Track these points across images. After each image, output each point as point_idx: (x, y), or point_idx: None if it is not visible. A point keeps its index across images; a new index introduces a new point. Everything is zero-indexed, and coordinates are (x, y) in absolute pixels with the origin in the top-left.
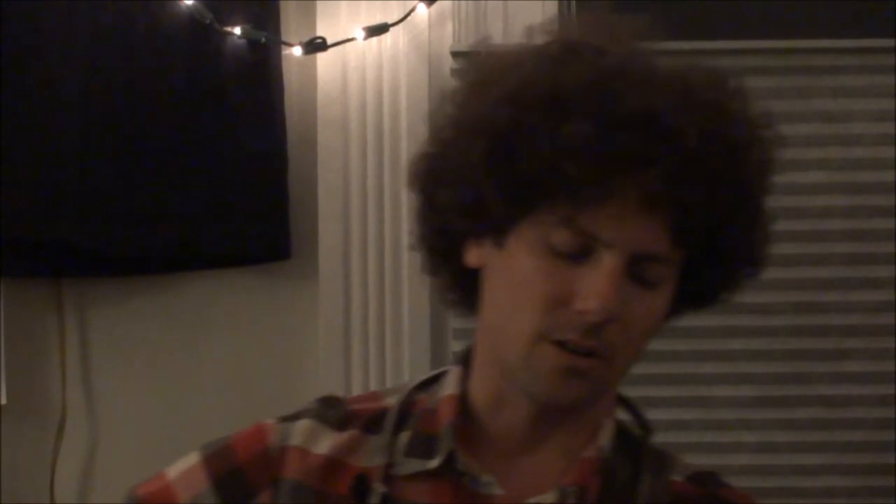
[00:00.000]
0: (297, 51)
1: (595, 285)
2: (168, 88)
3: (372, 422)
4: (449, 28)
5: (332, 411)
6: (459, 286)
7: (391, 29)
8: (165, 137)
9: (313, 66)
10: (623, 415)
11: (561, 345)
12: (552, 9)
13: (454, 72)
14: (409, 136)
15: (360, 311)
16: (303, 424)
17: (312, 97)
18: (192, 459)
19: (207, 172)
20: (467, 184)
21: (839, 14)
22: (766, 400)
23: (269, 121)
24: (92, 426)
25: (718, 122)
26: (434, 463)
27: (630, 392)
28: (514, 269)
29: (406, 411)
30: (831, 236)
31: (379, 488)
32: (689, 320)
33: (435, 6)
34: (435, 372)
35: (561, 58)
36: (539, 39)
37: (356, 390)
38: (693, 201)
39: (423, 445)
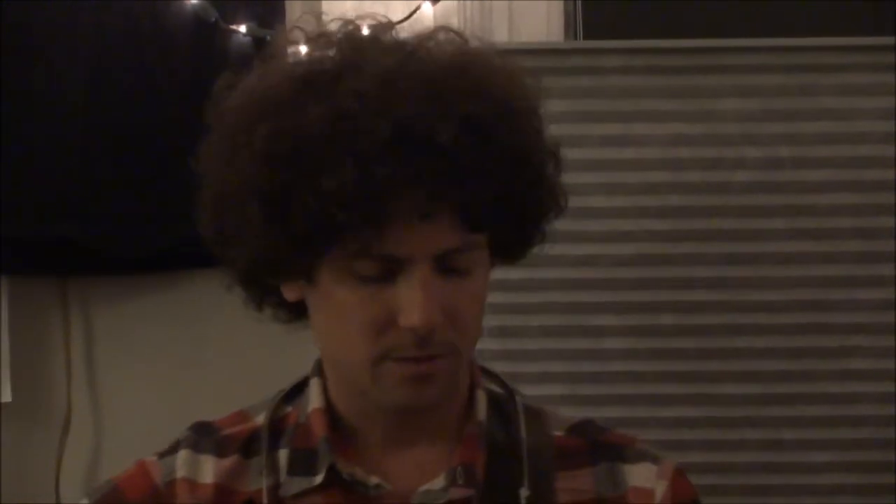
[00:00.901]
0: (302, 49)
1: (411, 300)
2: (173, 86)
3: (248, 444)
4: (454, 26)
5: (206, 439)
6: (288, 313)
7: (397, 27)
8: (170, 136)
9: None
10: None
11: (402, 359)
12: (557, 7)
13: None
14: None
15: None
16: (183, 456)
17: None
18: None
19: None
20: (253, 243)
21: (845, 11)
22: (771, 397)
23: None
24: (97, 424)
25: (473, 112)
26: (318, 479)
27: (635, 390)
28: (331, 302)
29: (277, 428)
30: (838, 234)
31: None
32: (697, 318)
33: (440, 5)
34: (296, 382)
35: (298, 98)
36: (276, 64)
37: None
38: (468, 198)
39: (304, 462)
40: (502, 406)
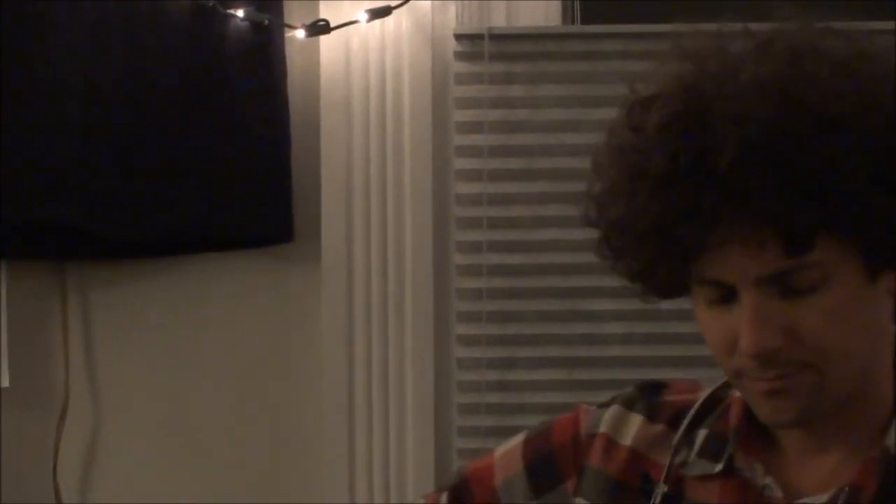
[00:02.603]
0: (300, 33)
1: (742, 327)
2: (171, 71)
3: (678, 415)
4: (452, 10)
5: (644, 399)
6: None
7: (394, 11)
8: (168, 120)
9: (316, 48)
10: None
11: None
12: None
13: (458, 55)
14: (411, 119)
15: (362, 293)
16: (613, 411)
17: (315, 80)
18: (517, 438)
19: (210, 155)
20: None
21: None
22: None
23: (271, 104)
24: (95, 409)
25: (766, 135)
26: (718, 467)
27: (634, 375)
28: (698, 318)
29: (710, 406)
30: None
31: (661, 488)
32: None
33: None
34: None
35: (623, 125)
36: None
37: (358, 372)
38: (774, 220)
39: (714, 446)
40: None
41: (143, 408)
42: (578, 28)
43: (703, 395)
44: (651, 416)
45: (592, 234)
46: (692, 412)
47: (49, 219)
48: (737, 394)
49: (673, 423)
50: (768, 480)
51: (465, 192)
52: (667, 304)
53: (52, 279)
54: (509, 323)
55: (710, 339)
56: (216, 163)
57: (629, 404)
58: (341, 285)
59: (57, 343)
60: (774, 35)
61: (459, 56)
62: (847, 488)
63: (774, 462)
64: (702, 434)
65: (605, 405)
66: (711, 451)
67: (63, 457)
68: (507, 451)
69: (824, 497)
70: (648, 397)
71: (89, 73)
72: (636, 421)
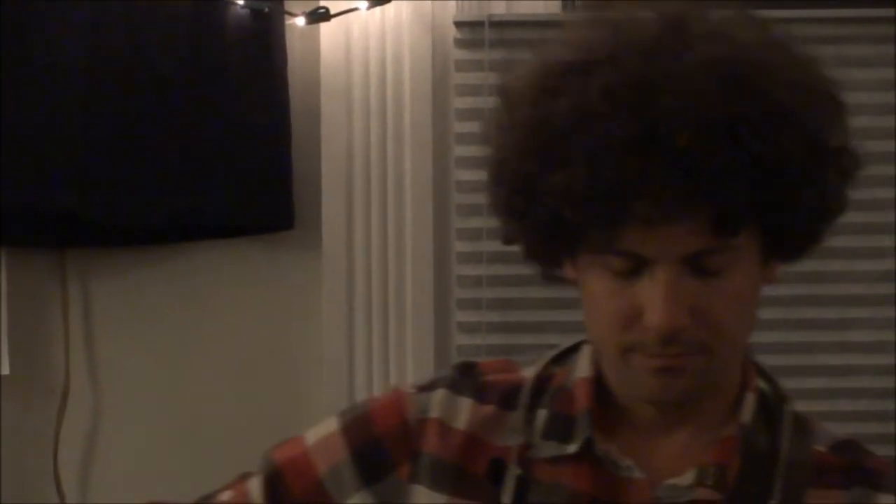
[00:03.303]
0: (300, 21)
1: (652, 301)
2: (171, 58)
3: (508, 396)
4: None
5: (467, 381)
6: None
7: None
8: (168, 107)
9: (316, 36)
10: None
11: (648, 353)
12: None
13: (458, 42)
14: (412, 106)
15: (362, 280)
16: (440, 395)
17: (315, 67)
18: (330, 426)
19: (211, 143)
20: (505, 226)
21: None
22: (769, 369)
23: (272, 91)
24: (95, 396)
25: (718, 115)
26: (572, 449)
27: None
28: (587, 289)
29: (541, 387)
30: None
31: (514, 471)
32: None
33: None
34: (570, 344)
35: (554, 87)
36: (555, 45)
37: (358, 359)
38: (711, 202)
39: (561, 428)
40: (771, 411)
41: (143, 395)
42: None
43: (527, 374)
44: (479, 398)
45: None
46: (527, 393)
47: (49, 207)
48: (579, 374)
49: (503, 404)
50: (628, 461)
51: (465, 179)
52: None
53: (53, 267)
54: (510, 310)
55: (604, 311)
56: (216, 150)
57: (454, 387)
58: (342, 272)
59: (57, 331)
60: (688, 17)
61: (459, 43)
62: (712, 468)
63: (626, 441)
64: (542, 415)
65: (426, 388)
66: (558, 432)
67: (63, 443)
68: (324, 438)
69: (688, 478)
70: (470, 378)
71: (89, 61)
72: (466, 404)
